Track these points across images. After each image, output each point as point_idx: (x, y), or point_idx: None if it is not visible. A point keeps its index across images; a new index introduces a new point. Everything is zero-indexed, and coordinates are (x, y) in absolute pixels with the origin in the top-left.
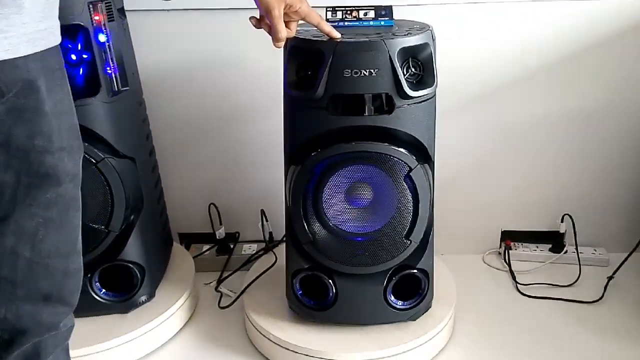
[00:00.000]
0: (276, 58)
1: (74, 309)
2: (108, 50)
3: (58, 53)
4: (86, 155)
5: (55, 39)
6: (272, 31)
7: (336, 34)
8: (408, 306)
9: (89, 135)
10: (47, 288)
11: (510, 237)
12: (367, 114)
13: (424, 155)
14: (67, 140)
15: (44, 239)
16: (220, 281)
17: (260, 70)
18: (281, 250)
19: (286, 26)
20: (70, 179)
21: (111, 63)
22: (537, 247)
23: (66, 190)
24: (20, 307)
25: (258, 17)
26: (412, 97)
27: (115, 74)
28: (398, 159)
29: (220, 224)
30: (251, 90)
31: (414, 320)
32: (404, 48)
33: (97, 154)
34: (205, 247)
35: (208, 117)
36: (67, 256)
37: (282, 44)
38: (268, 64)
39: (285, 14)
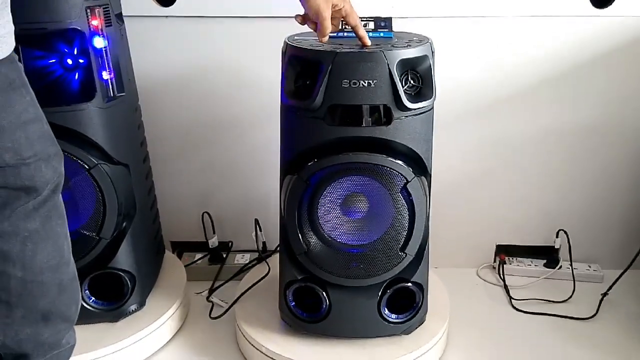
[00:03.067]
0: (274, 67)
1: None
2: (104, 55)
3: (14, 60)
4: (79, 161)
5: (8, 47)
6: (319, 29)
7: (368, 42)
8: (402, 320)
9: (82, 140)
10: (46, 306)
11: (504, 252)
12: (364, 125)
13: (421, 168)
14: (41, 148)
15: (33, 255)
16: (212, 291)
17: (258, 79)
18: (274, 260)
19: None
20: (50, 187)
21: (107, 68)
22: (532, 262)
23: (46, 199)
24: (19, 332)
25: (303, 15)
26: (410, 109)
27: (111, 79)
28: (395, 170)
29: (214, 232)
30: (248, 98)
31: (408, 334)
32: (403, 60)
33: (90, 160)
34: (198, 255)
35: (204, 124)
36: (57, 268)
37: (327, 38)
38: (265, 73)
39: None
